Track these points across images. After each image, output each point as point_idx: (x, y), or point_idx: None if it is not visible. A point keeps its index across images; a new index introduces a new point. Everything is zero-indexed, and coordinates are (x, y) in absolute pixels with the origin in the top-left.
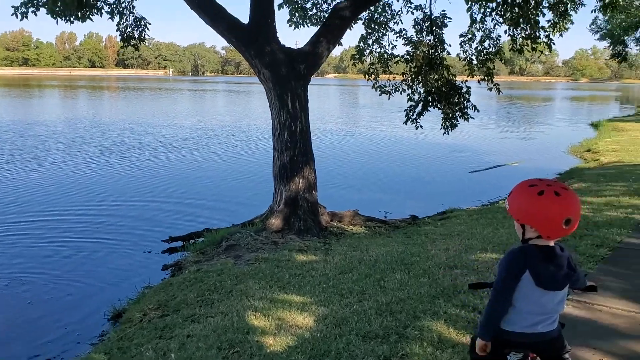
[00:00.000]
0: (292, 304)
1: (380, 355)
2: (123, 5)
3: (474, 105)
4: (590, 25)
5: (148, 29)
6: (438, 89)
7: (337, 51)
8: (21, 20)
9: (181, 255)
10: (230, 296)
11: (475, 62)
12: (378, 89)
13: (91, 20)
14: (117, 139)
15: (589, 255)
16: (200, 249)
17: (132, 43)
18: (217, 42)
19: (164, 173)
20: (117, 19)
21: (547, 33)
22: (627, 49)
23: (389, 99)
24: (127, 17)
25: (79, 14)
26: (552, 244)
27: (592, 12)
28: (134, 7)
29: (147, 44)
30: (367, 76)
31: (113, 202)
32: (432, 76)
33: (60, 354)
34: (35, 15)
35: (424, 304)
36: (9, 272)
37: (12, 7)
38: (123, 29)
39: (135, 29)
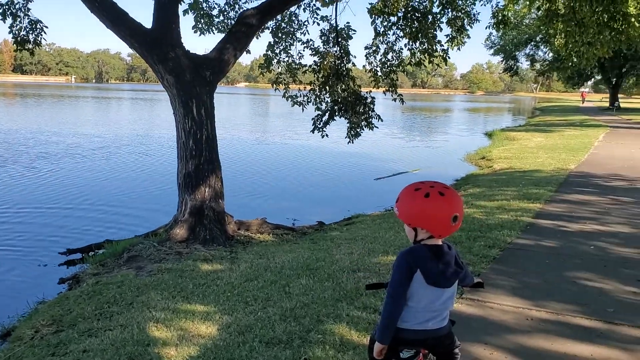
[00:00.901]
0: (196, 314)
1: None
2: (17, 6)
3: (379, 115)
4: (485, 41)
5: (44, 32)
6: (344, 98)
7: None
8: None
9: (79, 268)
10: (130, 308)
11: (380, 73)
12: (289, 99)
13: None
14: (18, 147)
15: (482, 255)
16: (100, 261)
17: (26, 47)
18: (122, 48)
19: (66, 183)
20: (9, 20)
21: (443, 47)
22: (518, 64)
23: (303, 111)
24: (21, 20)
25: None
26: (440, 242)
27: (486, 28)
28: (29, 9)
29: (46, 49)
30: (275, 85)
31: (7, 213)
32: (338, 86)
33: None
34: None
35: (327, 308)
36: None
37: None
38: (17, 32)
39: (31, 32)
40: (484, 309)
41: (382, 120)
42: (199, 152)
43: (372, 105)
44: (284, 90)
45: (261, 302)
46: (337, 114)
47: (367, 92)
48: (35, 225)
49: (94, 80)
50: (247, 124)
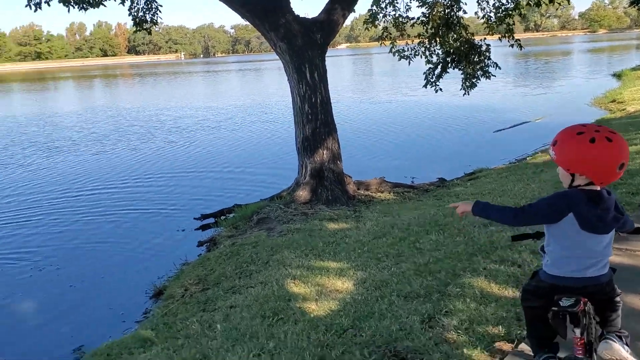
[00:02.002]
0: (330, 270)
1: (424, 313)
2: None
3: (495, 63)
4: None
5: (160, 11)
6: (457, 49)
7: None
8: (35, 11)
9: (214, 231)
10: (267, 267)
11: (493, 19)
12: (396, 54)
13: (104, 5)
14: (153, 124)
15: (625, 203)
16: (233, 224)
17: (144, 27)
18: (225, 21)
19: (196, 153)
20: (128, 3)
21: None
22: None
23: (409, 64)
24: (138, 1)
25: (92, 0)
26: (598, 188)
27: None
28: None
29: (157, 28)
30: (380, 41)
31: (146, 184)
32: (450, 37)
33: (107, 334)
34: (49, 5)
35: (462, 262)
36: (47, 256)
37: None
38: (135, 13)
39: (147, 12)
40: (634, 258)
41: (499, 68)
42: (314, 116)
43: (487, 53)
44: (390, 46)
45: (393, 258)
46: (450, 65)
47: (480, 40)
48: (173, 193)
49: (201, 55)
50: (355, 84)
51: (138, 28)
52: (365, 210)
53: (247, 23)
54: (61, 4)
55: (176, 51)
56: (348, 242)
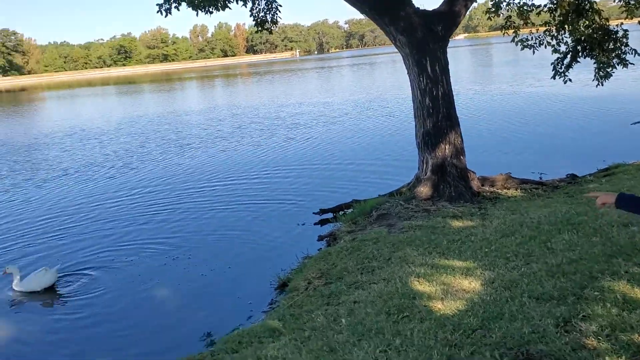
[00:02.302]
0: (455, 269)
1: (558, 316)
2: None
3: (635, 50)
4: None
5: (279, 11)
6: (589, 36)
7: None
8: (165, 16)
9: (333, 226)
10: (389, 263)
11: (633, 1)
12: (519, 44)
13: (229, 8)
14: (273, 120)
15: None
16: (352, 219)
17: (265, 27)
18: (339, 16)
19: (314, 149)
20: (249, 4)
21: None
22: None
23: (534, 53)
24: (259, 2)
25: (219, 3)
26: None
27: None
28: None
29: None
30: (503, 30)
31: (267, 179)
32: (580, 23)
33: (235, 322)
34: (178, 10)
35: (599, 264)
36: (179, 246)
37: (157, 4)
38: (256, 14)
39: (268, 12)
40: None
41: (639, 55)
42: (436, 110)
43: (625, 40)
44: (513, 35)
45: (522, 257)
46: (580, 54)
47: (616, 26)
48: (292, 188)
49: (315, 52)
50: (476, 76)
51: (259, 28)
52: (491, 208)
53: (362, 17)
54: (190, 8)
55: (291, 49)
56: (474, 240)
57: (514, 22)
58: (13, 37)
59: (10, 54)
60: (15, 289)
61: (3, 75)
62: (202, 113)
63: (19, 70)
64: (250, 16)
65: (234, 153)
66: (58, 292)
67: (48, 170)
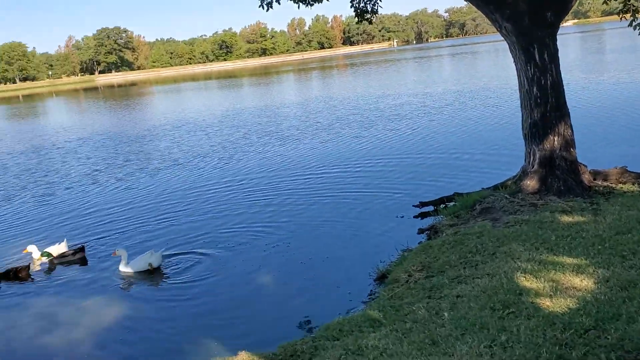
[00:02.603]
0: (565, 266)
1: None
2: None
3: None
4: None
5: (380, 0)
6: None
7: None
8: (267, 10)
9: (434, 219)
10: (494, 258)
11: None
12: (637, 28)
13: (327, 0)
14: (373, 112)
15: None
16: (454, 213)
17: (366, 17)
18: (439, 5)
19: (415, 139)
20: None
21: None
22: None
23: None
24: None
25: None
26: None
27: None
28: None
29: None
30: (621, 15)
31: (367, 170)
32: None
33: (334, 311)
34: (279, 3)
35: None
36: (279, 234)
37: None
38: (356, 5)
39: (368, 2)
40: None
41: None
42: (544, 100)
43: None
44: (631, 19)
45: None
46: None
47: None
48: (392, 179)
49: (414, 42)
50: (587, 64)
51: (359, 19)
52: (604, 203)
53: (463, 5)
54: (291, 1)
55: (389, 39)
56: (585, 236)
57: (633, 5)
58: (124, 35)
59: (121, 51)
60: (122, 270)
61: (115, 71)
62: (300, 105)
63: (129, 66)
64: (351, 7)
65: (334, 144)
66: (163, 274)
67: (160, 160)
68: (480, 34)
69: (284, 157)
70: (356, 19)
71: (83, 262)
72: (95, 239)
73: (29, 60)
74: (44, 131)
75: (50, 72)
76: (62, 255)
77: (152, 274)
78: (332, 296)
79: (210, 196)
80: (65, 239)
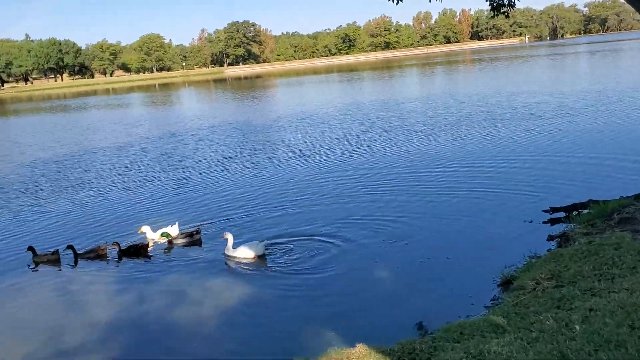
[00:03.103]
0: None
1: None
2: None
3: None
4: None
5: None
6: None
7: None
8: (396, 4)
9: (565, 226)
10: (634, 272)
11: None
12: None
13: None
14: (495, 109)
15: None
16: (588, 221)
17: (502, 11)
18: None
19: (549, 142)
20: None
21: None
22: None
23: None
24: None
25: None
26: None
27: None
28: None
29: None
30: None
31: (497, 170)
32: None
33: (452, 313)
34: None
35: None
36: (397, 231)
37: None
38: None
39: None
40: None
41: None
42: None
43: None
44: None
45: None
46: None
47: None
48: (522, 181)
49: (547, 38)
50: None
51: (495, 13)
52: None
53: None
54: None
55: (520, 34)
56: None
57: None
58: (252, 29)
59: (249, 44)
60: (227, 253)
61: (242, 63)
62: (425, 100)
63: (255, 58)
64: (486, 1)
65: (463, 142)
66: (267, 263)
67: (285, 151)
68: (625, 30)
69: (410, 153)
70: (491, 12)
71: (199, 243)
72: (221, 222)
73: (165, 52)
74: (179, 118)
75: (183, 63)
76: (181, 237)
77: (254, 260)
78: (451, 297)
79: (332, 188)
80: (177, 222)
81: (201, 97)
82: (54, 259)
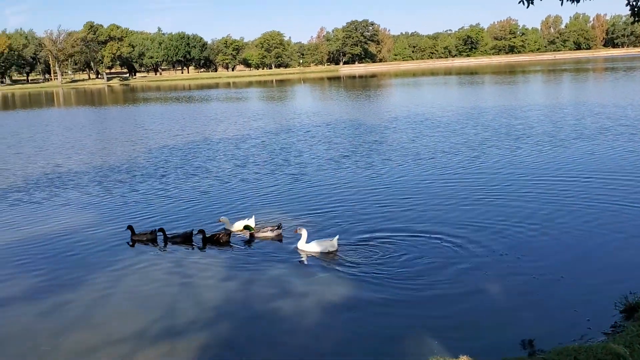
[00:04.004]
0: None
1: None
2: None
3: None
4: None
5: None
6: None
7: None
8: (527, 7)
9: None
10: None
11: None
12: None
13: None
14: (631, 122)
15: None
16: None
17: None
18: None
19: None
20: None
21: None
22: None
23: None
24: None
25: None
26: None
27: None
28: None
29: None
30: None
31: (634, 185)
32: None
33: (568, 336)
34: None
35: None
36: (505, 243)
37: None
38: (634, 2)
39: None
40: None
41: None
42: None
43: None
44: None
45: None
46: None
47: None
48: None
49: None
50: None
51: (637, 18)
52: None
53: None
54: None
55: None
56: None
57: None
58: (371, 28)
59: (366, 43)
60: (300, 247)
61: (358, 62)
62: (554, 108)
63: (372, 58)
64: (627, 4)
65: (599, 154)
66: (339, 258)
67: (401, 153)
68: None
69: (538, 161)
70: (631, 18)
71: (279, 238)
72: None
73: (284, 49)
74: (295, 114)
75: (300, 61)
76: (264, 230)
77: (327, 256)
78: (565, 319)
79: (450, 193)
80: (253, 216)
81: (316, 94)
82: (151, 239)
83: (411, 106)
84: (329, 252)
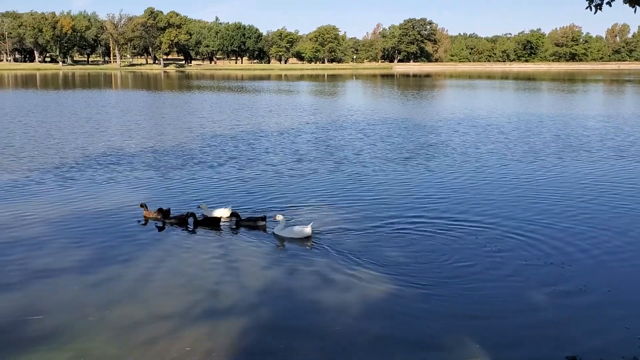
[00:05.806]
0: None
1: None
2: None
3: None
4: None
5: None
6: None
7: None
8: (595, 12)
9: None
10: None
11: None
12: None
13: None
14: None
15: None
16: None
17: None
18: None
19: None
20: None
21: None
22: None
23: None
24: None
25: None
26: None
27: None
28: None
29: None
30: None
31: None
32: None
33: (618, 352)
34: (610, 5)
35: None
36: (557, 251)
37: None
38: None
39: None
40: None
41: None
42: None
43: None
44: None
45: None
46: None
47: None
48: None
49: None
50: None
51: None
52: None
53: None
54: (626, 4)
55: None
56: None
57: None
58: (428, 27)
59: (423, 42)
60: (276, 233)
61: (413, 61)
62: (612, 120)
63: (427, 57)
64: None
65: None
66: (312, 243)
67: (456, 156)
68: None
69: (598, 174)
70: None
71: (263, 229)
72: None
73: (338, 44)
74: (349, 111)
75: (354, 56)
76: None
77: (301, 242)
78: (612, 333)
79: (504, 197)
80: (229, 205)
81: (369, 91)
82: (183, 221)
83: (469, 108)
84: (302, 238)
